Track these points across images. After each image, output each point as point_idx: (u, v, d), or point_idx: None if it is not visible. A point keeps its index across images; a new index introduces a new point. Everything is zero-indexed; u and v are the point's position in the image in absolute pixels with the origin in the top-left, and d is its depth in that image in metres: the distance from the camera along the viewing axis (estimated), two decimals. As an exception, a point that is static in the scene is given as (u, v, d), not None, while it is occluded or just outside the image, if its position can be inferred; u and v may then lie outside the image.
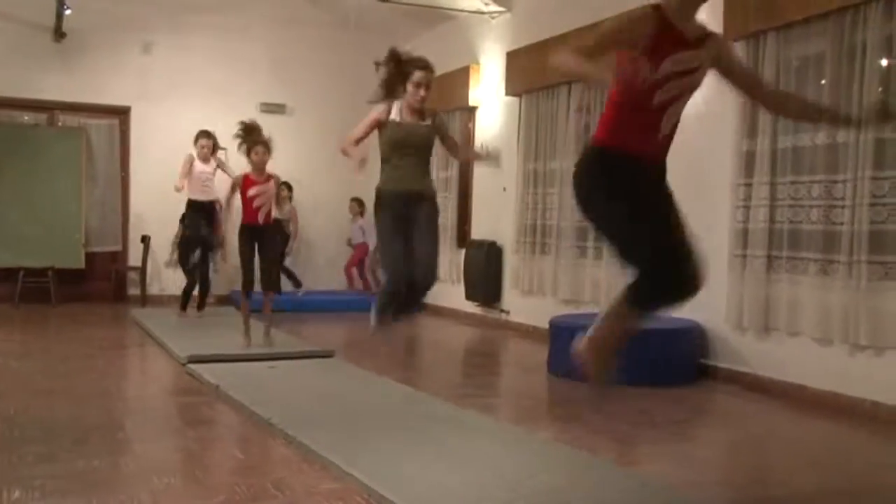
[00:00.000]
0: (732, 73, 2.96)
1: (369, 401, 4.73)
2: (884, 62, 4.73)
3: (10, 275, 9.10)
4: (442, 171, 9.28)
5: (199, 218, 7.92)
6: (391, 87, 4.62)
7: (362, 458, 3.41)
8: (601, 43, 2.68)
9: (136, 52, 9.83)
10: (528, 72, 7.84)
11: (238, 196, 6.30)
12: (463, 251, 8.94)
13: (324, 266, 10.59)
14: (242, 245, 6.26)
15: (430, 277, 4.62)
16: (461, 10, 8.70)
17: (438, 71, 4.91)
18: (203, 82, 9.99)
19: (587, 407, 4.69)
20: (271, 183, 6.33)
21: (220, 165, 7.98)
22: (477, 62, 8.97)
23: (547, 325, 6.21)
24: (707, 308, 5.26)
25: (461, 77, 8.98)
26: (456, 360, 7.13)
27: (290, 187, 9.55)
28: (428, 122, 4.69)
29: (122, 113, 10.00)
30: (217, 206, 7.86)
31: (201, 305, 8.21)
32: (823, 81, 5.04)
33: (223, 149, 7.91)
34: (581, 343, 2.96)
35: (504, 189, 8.37)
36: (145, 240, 9.75)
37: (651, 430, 4.44)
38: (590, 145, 2.96)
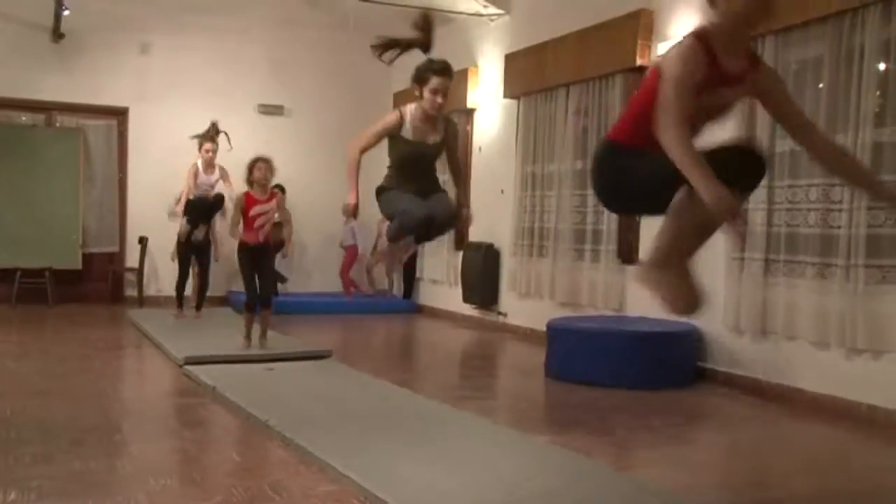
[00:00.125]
0: (780, 112, 2.81)
1: (367, 403, 4.72)
2: (882, 66, 4.74)
3: (7, 275, 9.09)
4: (440, 173, 9.23)
5: (199, 217, 7.91)
6: (394, 48, 4.11)
7: (359, 461, 3.41)
8: (681, 97, 2.49)
9: (135, 52, 9.82)
10: (526, 74, 7.84)
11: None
12: (460, 253, 8.93)
13: (324, 266, 10.56)
14: (243, 265, 6.26)
15: (450, 218, 4.34)
16: (460, 13, 8.70)
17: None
18: (201, 83, 9.96)
19: (585, 410, 4.68)
20: (273, 202, 6.27)
21: (223, 176, 7.98)
22: (475, 64, 8.98)
23: (544, 328, 6.20)
24: (705, 311, 5.25)
25: (459, 79, 8.91)
26: (453, 362, 7.12)
27: (283, 190, 9.51)
28: (440, 132, 4.37)
29: (119, 114, 9.98)
30: (218, 201, 7.89)
31: (199, 305, 8.21)
32: (821, 85, 5.05)
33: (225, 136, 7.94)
34: (644, 270, 2.80)
35: (502, 191, 8.37)
36: (143, 241, 9.73)
37: (648, 433, 4.44)
38: (606, 141, 2.84)
